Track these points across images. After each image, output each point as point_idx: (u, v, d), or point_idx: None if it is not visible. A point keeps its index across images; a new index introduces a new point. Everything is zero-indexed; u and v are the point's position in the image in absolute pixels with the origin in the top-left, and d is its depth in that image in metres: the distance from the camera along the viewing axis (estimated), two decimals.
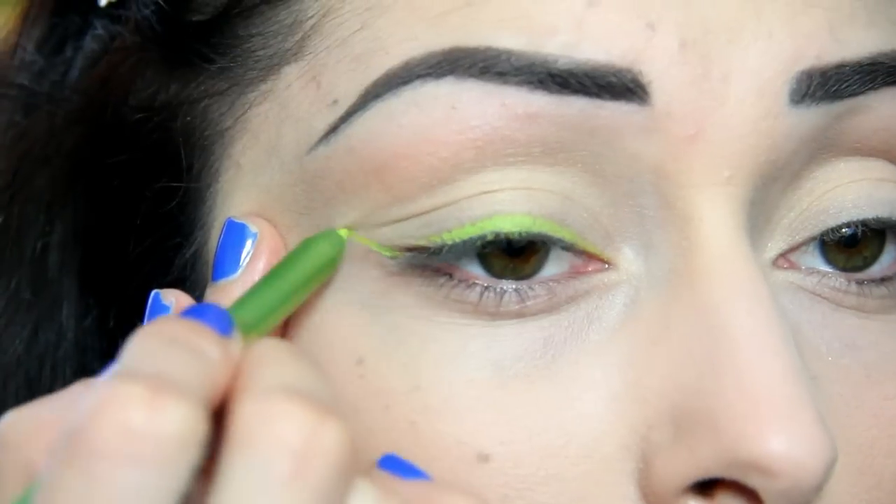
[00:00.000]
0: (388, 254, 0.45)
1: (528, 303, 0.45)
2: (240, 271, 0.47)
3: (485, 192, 0.44)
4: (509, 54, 0.43)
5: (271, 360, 0.39)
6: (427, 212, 0.44)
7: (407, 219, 0.45)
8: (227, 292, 0.47)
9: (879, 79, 0.45)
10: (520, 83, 0.43)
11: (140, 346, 0.38)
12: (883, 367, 0.47)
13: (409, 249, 0.45)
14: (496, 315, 0.45)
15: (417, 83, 0.44)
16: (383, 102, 0.44)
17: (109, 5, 0.52)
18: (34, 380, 0.56)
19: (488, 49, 0.44)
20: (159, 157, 0.50)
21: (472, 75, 0.44)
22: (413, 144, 0.44)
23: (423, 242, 0.44)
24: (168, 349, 0.38)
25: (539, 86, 0.43)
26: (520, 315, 0.45)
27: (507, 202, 0.44)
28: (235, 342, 0.40)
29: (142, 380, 0.36)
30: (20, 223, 0.55)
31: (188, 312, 0.41)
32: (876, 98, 0.45)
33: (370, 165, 0.45)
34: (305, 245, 0.45)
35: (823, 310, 0.47)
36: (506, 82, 0.43)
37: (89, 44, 0.54)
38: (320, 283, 0.46)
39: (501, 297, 0.44)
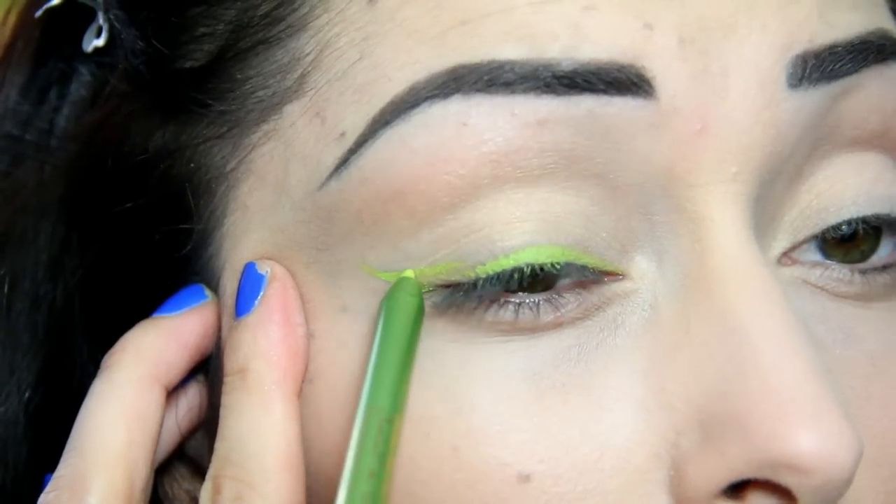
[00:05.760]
0: (424, 289, 0.45)
1: (562, 311, 0.45)
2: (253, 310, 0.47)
3: (510, 222, 0.44)
4: (513, 64, 0.44)
5: None
6: (456, 239, 0.44)
7: (437, 250, 0.44)
8: (242, 328, 0.47)
9: (871, 57, 0.47)
10: (527, 90, 0.44)
11: None
12: (886, 355, 0.48)
13: (445, 286, 0.45)
14: (535, 329, 0.45)
15: (425, 105, 0.44)
16: (392, 129, 0.44)
17: (96, 51, 0.52)
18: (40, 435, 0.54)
19: (492, 62, 0.44)
20: (161, 203, 0.49)
21: (478, 90, 0.44)
22: (428, 165, 0.44)
23: (456, 277, 0.44)
24: None
25: (546, 90, 0.44)
26: (556, 325, 0.45)
27: (535, 232, 0.44)
28: None
29: None
30: (15, 278, 0.54)
31: None
32: (867, 76, 0.47)
33: (387, 192, 0.44)
34: (389, 306, 0.44)
35: (823, 301, 0.48)
36: (513, 92, 0.44)
37: (76, 90, 0.54)
38: (419, 332, 0.45)
39: (538, 311, 0.45)
